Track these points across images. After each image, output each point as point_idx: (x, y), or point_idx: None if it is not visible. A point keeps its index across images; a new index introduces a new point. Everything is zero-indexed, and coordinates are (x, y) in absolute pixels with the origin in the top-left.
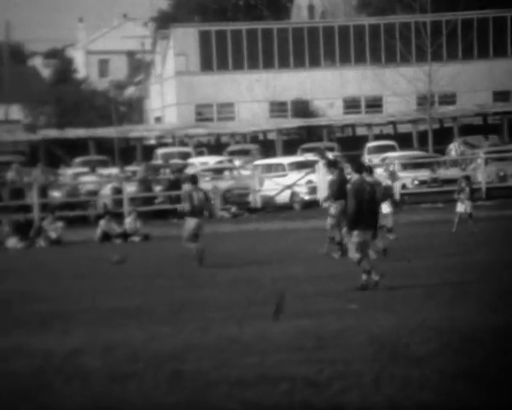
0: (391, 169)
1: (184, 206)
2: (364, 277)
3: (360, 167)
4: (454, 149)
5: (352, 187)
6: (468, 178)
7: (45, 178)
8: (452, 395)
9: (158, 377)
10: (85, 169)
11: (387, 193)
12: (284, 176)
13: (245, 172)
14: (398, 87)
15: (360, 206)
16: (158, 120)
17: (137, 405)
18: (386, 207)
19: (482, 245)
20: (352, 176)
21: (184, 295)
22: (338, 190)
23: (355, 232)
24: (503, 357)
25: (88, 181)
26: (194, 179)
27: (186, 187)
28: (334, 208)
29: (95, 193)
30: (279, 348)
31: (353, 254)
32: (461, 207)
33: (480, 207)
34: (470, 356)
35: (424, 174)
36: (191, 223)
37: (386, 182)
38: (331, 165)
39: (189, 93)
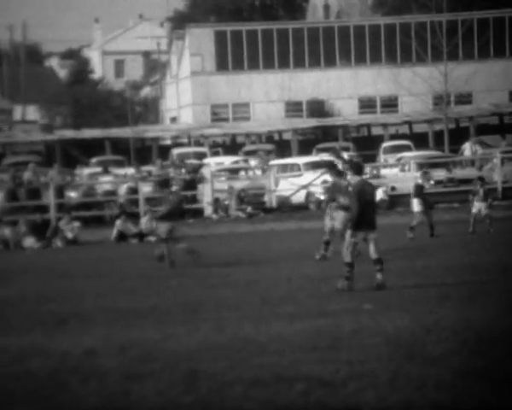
0: (424, 169)
1: (162, 208)
2: (379, 276)
3: (360, 169)
4: (469, 148)
5: (353, 189)
6: (482, 179)
7: (62, 178)
8: (468, 394)
9: (174, 376)
10: (99, 169)
11: (419, 192)
12: (300, 176)
13: (260, 173)
14: (413, 87)
15: (362, 207)
16: (173, 120)
17: (154, 405)
18: (416, 206)
19: (498, 245)
20: (352, 178)
21: (199, 295)
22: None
23: (356, 233)
24: None
25: (104, 181)
26: (166, 183)
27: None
28: (335, 210)
29: (111, 193)
30: (294, 348)
31: (346, 254)
32: (475, 209)
33: (496, 208)
34: (486, 356)
35: (440, 174)
36: (163, 227)
37: (418, 181)
38: (332, 168)
39: (204, 93)
